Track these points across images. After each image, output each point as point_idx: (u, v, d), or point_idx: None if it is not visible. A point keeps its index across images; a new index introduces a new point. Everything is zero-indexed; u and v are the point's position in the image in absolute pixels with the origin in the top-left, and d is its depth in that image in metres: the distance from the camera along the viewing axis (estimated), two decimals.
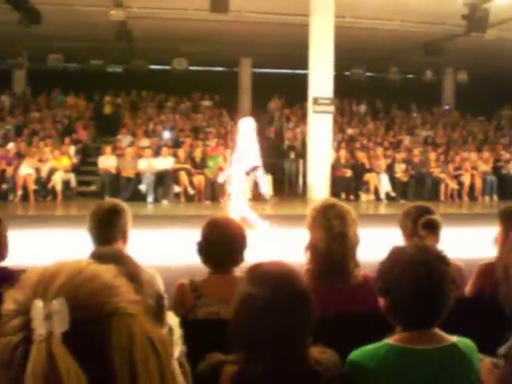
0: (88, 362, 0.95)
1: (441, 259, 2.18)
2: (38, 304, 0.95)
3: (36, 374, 0.92)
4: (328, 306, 2.85)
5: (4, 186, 15.57)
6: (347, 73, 23.68)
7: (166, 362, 1.06)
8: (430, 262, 2.13)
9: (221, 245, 3.13)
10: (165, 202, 15.60)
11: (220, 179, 12.59)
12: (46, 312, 0.94)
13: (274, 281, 1.95)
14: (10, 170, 15.56)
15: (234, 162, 10.44)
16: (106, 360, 0.98)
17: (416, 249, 2.22)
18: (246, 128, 10.27)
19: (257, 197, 10.88)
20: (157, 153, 16.71)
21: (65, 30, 18.75)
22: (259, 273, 2.01)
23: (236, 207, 10.06)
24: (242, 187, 10.19)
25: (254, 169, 10.19)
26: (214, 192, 15.83)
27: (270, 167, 16.83)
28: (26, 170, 15.47)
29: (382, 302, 2.23)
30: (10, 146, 16.65)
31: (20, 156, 16.18)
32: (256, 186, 10.91)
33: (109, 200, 3.59)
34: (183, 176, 15.91)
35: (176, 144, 17.92)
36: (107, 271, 1.06)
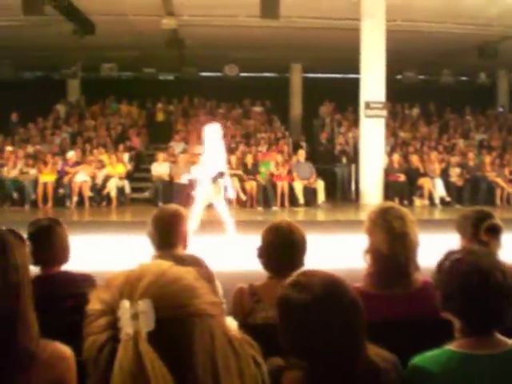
0: (172, 361, 0.98)
1: (499, 266, 2.15)
2: (125, 304, 0.98)
3: (124, 371, 0.95)
4: (388, 310, 2.82)
5: (61, 192, 15.93)
6: (399, 76, 23.44)
7: (245, 363, 1.09)
8: (488, 269, 2.11)
9: (282, 249, 3.13)
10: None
11: (183, 180, 12.56)
12: (133, 312, 0.97)
13: (320, 287, 1.94)
14: (66, 177, 15.92)
15: (200, 167, 10.46)
16: (189, 360, 1.00)
17: (474, 255, 2.20)
18: (211, 134, 10.26)
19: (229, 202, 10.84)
20: None
21: (118, 40, 19.08)
22: (305, 279, 2.00)
23: (197, 211, 10.06)
24: (206, 192, 10.15)
25: (221, 175, 10.23)
26: (267, 198, 15.86)
27: (321, 172, 16.82)
28: (82, 176, 15.82)
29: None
30: (71, 154, 16.97)
31: (76, 163, 16.52)
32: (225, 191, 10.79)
33: (170, 206, 3.65)
34: (235, 182, 15.96)
35: (228, 150, 17.96)
36: (188, 273, 1.09)
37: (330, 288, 1.95)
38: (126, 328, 0.97)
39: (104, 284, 1.07)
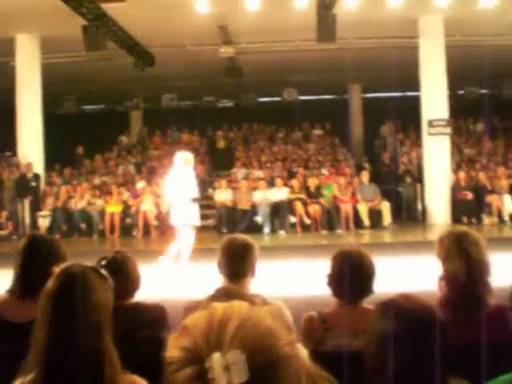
0: None
1: None
2: (217, 356, 0.97)
3: None
4: (465, 335, 2.75)
5: (128, 222, 16.23)
6: (461, 91, 23.06)
7: None
8: None
9: (352, 277, 3.09)
10: (281, 233, 15.66)
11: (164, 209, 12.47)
12: (224, 363, 0.97)
13: (409, 316, 1.92)
14: (133, 207, 16.23)
15: (171, 194, 10.41)
16: None
17: None
18: (180, 161, 10.25)
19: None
20: (271, 184, 16.87)
21: (177, 70, 19.46)
22: (395, 308, 1.96)
23: (183, 236, 10.09)
24: (184, 217, 10.13)
25: (194, 200, 10.19)
26: (331, 221, 15.76)
27: (386, 193, 16.61)
28: (147, 205, 16.08)
29: None
30: (140, 185, 17.28)
31: (142, 193, 16.82)
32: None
33: (239, 235, 3.67)
34: (298, 206, 15.94)
35: (290, 174, 18.01)
36: (267, 314, 1.08)
37: (424, 318, 1.93)
38: (220, 380, 0.96)
39: (182, 328, 1.06)
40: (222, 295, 3.15)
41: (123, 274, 3.29)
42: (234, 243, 3.51)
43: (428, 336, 1.88)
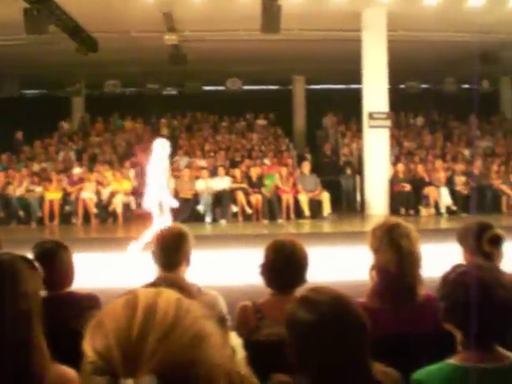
0: None
1: (501, 281, 2.18)
2: (129, 382, 0.93)
3: None
4: (393, 325, 2.84)
5: (67, 209, 15.98)
6: (402, 86, 23.48)
7: None
8: (491, 284, 2.14)
9: (285, 267, 3.14)
10: (223, 222, 15.69)
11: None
12: None
13: (327, 306, 1.96)
14: (72, 194, 15.98)
15: (150, 182, 10.57)
16: None
17: (478, 270, 2.23)
18: (159, 147, 10.50)
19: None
20: (213, 173, 16.86)
21: (121, 56, 19.18)
22: (313, 297, 2.01)
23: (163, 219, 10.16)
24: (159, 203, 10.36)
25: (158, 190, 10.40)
26: (272, 211, 15.86)
27: (326, 184, 16.81)
28: (87, 193, 15.86)
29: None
30: (76, 170, 17.05)
31: (81, 180, 16.58)
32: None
33: (173, 225, 3.67)
34: (240, 195, 15.98)
35: (232, 164, 18.03)
36: (197, 313, 1.03)
37: (337, 307, 1.96)
38: None
39: (98, 322, 1.01)
40: (160, 284, 3.16)
41: (56, 264, 3.26)
42: (167, 233, 3.51)
43: (342, 326, 1.92)
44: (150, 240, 9.81)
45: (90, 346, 0.98)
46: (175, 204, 10.78)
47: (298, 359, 1.95)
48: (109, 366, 0.94)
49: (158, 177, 10.36)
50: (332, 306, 1.95)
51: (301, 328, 1.95)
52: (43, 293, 3.24)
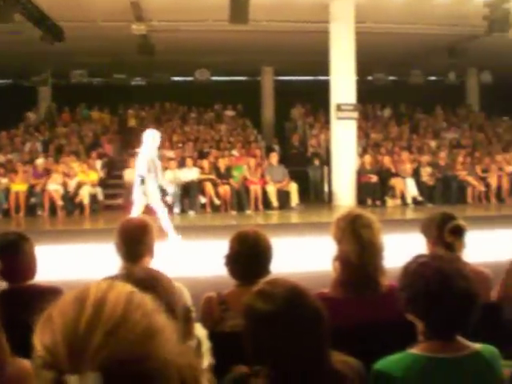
0: None
1: (462, 272, 2.21)
2: (74, 378, 0.91)
3: None
4: (355, 315, 2.88)
5: (32, 201, 15.79)
6: (370, 77, 23.62)
7: None
8: (451, 275, 2.17)
9: (249, 258, 3.16)
10: (191, 213, 15.65)
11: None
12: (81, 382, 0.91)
13: (283, 297, 1.98)
14: (38, 186, 15.79)
15: (142, 171, 10.60)
16: None
17: (439, 260, 2.26)
18: (149, 138, 10.61)
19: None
20: (182, 164, 16.80)
21: (87, 46, 18.95)
22: (269, 289, 2.03)
23: (160, 214, 10.28)
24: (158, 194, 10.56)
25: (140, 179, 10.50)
26: (240, 202, 15.87)
27: (294, 175, 16.88)
28: (53, 185, 15.68)
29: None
30: (39, 161, 16.87)
31: (47, 171, 16.39)
32: None
33: (137, 217, 3.65)
34: (208, 186, 15.96)
35: (200, 155, 17.99)
36: (144, 318, 1.00)
37: (293, 299, 1.98)
38: None
39: (47, 317, 1.01)
40: (124, 276, 3.14)
41: (18, 256, 3.22)
42: (129, 225, 3.49)
43: (297, 317, 1.94)
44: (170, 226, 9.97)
45: (38, 341, 0.97)
46: (171, 190, 10.81)
47: (254, 350, 1.97)
48: (55, 362, 0.93)
49: (150, 168, 10.29)
50: (287, 298, 1.96)
51: (257, 319, 1.97)
52: (4, 285, 3.22)
